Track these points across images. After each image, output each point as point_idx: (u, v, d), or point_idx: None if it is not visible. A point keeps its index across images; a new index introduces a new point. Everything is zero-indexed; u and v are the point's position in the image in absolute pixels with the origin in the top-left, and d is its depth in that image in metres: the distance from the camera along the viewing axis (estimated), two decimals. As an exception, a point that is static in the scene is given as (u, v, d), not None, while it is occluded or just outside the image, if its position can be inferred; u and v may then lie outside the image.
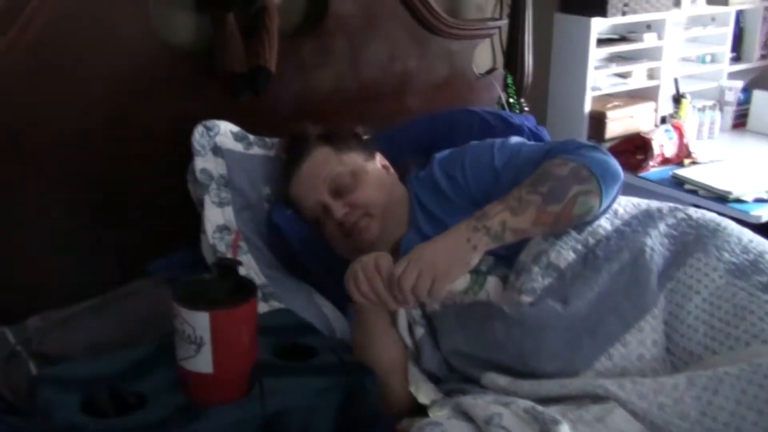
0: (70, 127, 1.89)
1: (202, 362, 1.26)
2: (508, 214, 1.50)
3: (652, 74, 3.36)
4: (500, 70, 2.73)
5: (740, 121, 3.66)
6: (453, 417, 1.36)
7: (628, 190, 1.76)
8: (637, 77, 3.34)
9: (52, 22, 1.80)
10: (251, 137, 2.06)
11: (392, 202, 1.83)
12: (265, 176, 2.03)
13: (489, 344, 1.50)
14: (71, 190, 1.92)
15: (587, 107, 3.13)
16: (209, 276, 1.34)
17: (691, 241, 1.57)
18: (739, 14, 3.60)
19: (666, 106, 3.37)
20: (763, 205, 2.73)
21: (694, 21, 3.51)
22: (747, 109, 3.66)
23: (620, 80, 3.29)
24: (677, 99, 3.32)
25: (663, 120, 3.34)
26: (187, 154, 1.96)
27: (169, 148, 2.01)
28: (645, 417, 1.30)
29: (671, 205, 1.71)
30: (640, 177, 3.00)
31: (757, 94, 3.62)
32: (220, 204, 1.94)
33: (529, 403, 1.33)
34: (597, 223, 1.62)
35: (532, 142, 1.84)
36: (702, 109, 3.43)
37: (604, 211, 1.61)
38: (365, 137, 1.99)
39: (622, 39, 3.27)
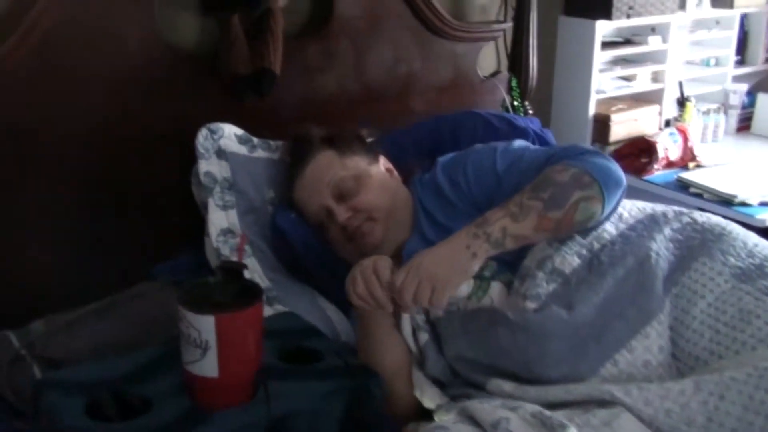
0: (73, 128, 1.89)
1: (208, 366, 1.25)
2: (508, 220, 1.50)
3: (656, 77, 3.35)
4: (504, 73, 2.74)
5: (744, 125, 3.66)
6: (459, 421, 1.35)
7: (633, 193, 1.75)
8: (642, 80, 3.33)
9: (56, 25, 1.80)
10: (255, 140, 2.06)
11: (396, 206, 1.83)
12: (269, 179, 2.03)
13: (493, 350, 1.49)
14: (73, 191, 1.92)
15: (591, 110, 3.12)
16: (214, 279, 1.33)
17: (696, 246, 1.56)
18: (744, 17, 3.59)
19: (670, 110, 3.37)
20: (768, 209, 2.73)
21: (699, 24, 3.51)
22: (751, 113, 3.65)
23: (624, 83, 3.29)
24: (682, 102, 3.31)
25: (667, 123, 3.33)
26: (190, 156, 1.96)
27: (172, 150, 2.01)
28: (651, 423, 1.30)
29: (676, 209, 1.70)
30: (645, 180, 3.00)
31: (762, 98, 3.61)
32: (224, 207, 1.94)
33: (536, 408, 1.32)
34: (602, 227, 1.61)
35: (536, 147, 1.83)
36: (706, 113, 3.43)
37: (607, 218, 1.60)
38: (369, 140, 1.98)
39: (627, 42, 3.27)
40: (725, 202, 2.77)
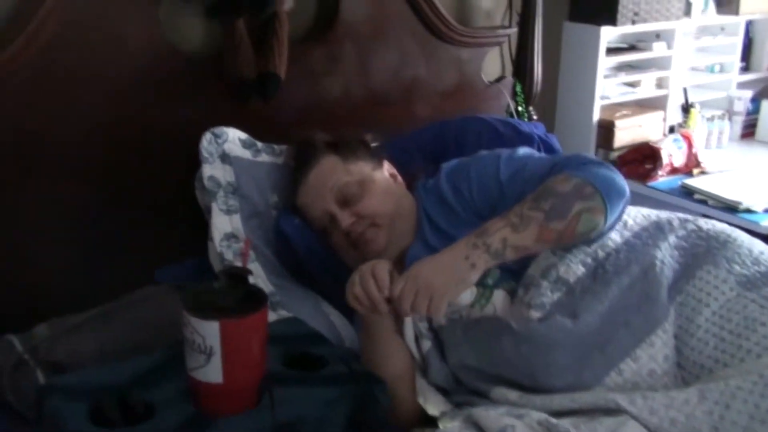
0: (77, 129, 1.89)
1: (212, 372, 1.25)
2: (508, 231, 1.48)
3: (661, 83, 3.35)
4: (509, 78, 2.73)
5: (749, 131, 3.65)
6: (465, 428, 1.35)
7: (637, 199, 1.74)
8: (646, 86, 3.33)
9: (61, 27, 1.80)
10: (259, 144, 2.05)
11: (399, 213, 1.82)
12: (273, 184, 2.03)
13: (497, 360, 1.48)
14: (76, 194, 1.92)
15: (596, 116, 3.12)
16: (219, 284, 1.33)
17: (701, 254, 1.56)
18: (749, 24, 3.59)
19: (675, 116, 3.37)
20: (773, 216, 2.72)
21: (704, 30, 3.51)
22: (756, 119, 3.64)
23: (629, 89, 3.28)
24: (686, 108, 3.31)
25: (672, 129, 3.34)
26: (194, 160, 1.96)
27: (176, 153, 2.01)
28: (657, 432, 1.29)
29: (681, 216, 1.70)
30: (649, 186, 2.99)
31: (766, 104, 3.61)
32: (228, 212, 1.93)
33: (542, 415, 1.32)
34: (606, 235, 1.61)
35: (540, 155, 1.82)
36: (711, 119, 3.42)
37: (610, 228, 1.59)
38: (373, 144, 1.98)
39: (632, 48, 3.26)
40: (730, 208, 2.77)
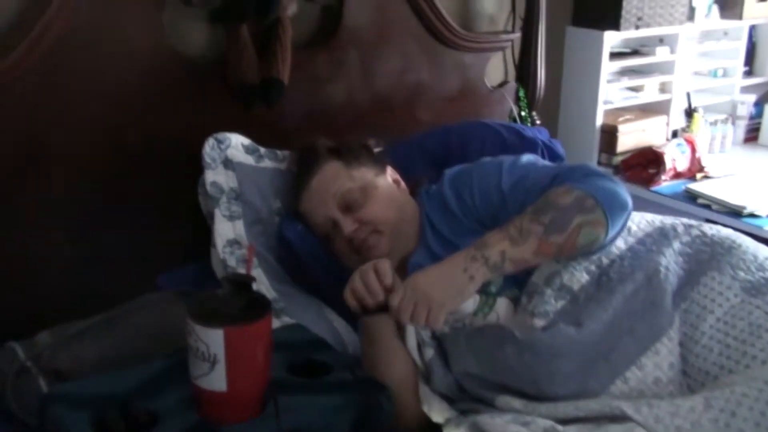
0: (80, 134, 1.89)
1: (216, 380, 1.24)
2: (507, 244, 1.48)
3: (664, 88, 3.34)
4: (512, 83, 2.73)
5: (752, 135, 3.65)
6: (470, 435, 1.34)
7: (640, 204, 1.74)
8: (650, 91, 3.32)
9: (66, 31, 1.80)
10: (262, 150, 2.05)
11: (402, 219, 1.82)
12: (276, 190, 2.02)
13: (500, 368, 1.47)
14: (79, 199, 1.92)
15: (599, 121, 3.11)
16: (223, 292, 1.32)
17: (705, 260, 1.55)
18: (752, 29, 3.58)
19: (678, 120, 3.36)
20: (778, 220, 2.72)
21: (707, 35, 3.51)
22: (759, 123, 3.64)
23: (632, 94, 3.28)
24: (689, 113, 3.30)
25: (675, 134, 3.33)
26: (197, 165, 1.95)
27: (179, 159, 2.01)
28: (663, 440, 1.28)
29: (686, 221, 1.69)
30: (652, 191, 2.99)
31: (769, 109, 3.61)
32: (231, 218, 1.93)
33: (549, 423, 1.32)
34: (610, 241, 1.60)
35: (543, 163, 1.81)
36: (714, 123, 3.42)
37: (612, 241, 1.58)
38: (376, 150, 1.97)
39: (635, 53, 3.26)
40: (734, 213, 2.76)
